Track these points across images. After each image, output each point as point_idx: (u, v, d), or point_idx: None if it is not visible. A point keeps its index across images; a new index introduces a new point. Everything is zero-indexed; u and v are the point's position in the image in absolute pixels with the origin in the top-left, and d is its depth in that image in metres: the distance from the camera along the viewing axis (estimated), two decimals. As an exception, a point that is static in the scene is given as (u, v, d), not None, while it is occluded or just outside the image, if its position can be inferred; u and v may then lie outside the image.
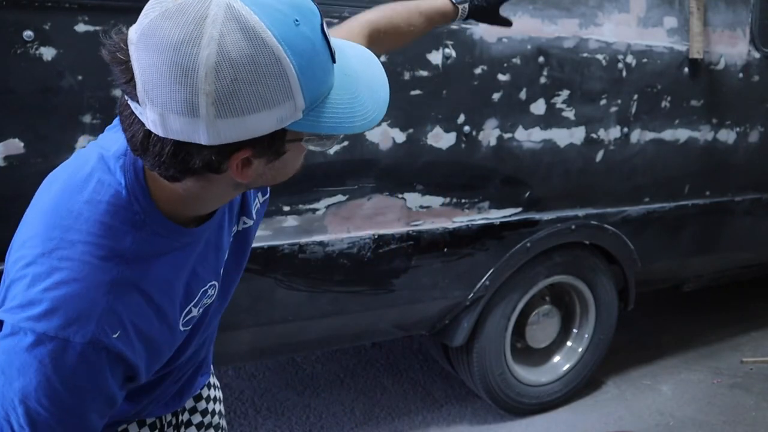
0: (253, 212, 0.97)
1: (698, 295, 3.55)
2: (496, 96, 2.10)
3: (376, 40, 1.13)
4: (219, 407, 1.23)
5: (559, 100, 2.22)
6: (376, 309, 2.17)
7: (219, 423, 1.23)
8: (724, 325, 3.60)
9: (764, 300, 3.92)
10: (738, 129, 2.72)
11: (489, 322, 2.42)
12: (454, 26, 1.97)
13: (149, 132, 0.66)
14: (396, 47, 1.27)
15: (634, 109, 2.40)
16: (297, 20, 0.65)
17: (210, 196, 0.76)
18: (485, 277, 2.29)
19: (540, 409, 2.69)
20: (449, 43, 1.98)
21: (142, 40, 0.64)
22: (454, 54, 1.98)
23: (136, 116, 0.67)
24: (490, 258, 2.28)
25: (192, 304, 0.86)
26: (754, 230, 3.01)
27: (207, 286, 0.88)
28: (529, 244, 2.33)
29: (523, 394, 2.62)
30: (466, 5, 1.30)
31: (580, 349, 2.74)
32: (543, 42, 2.14)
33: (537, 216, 2.33)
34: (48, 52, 1.49)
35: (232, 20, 0.61)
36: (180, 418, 1.12)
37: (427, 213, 2.10)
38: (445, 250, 2.17)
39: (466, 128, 2.07)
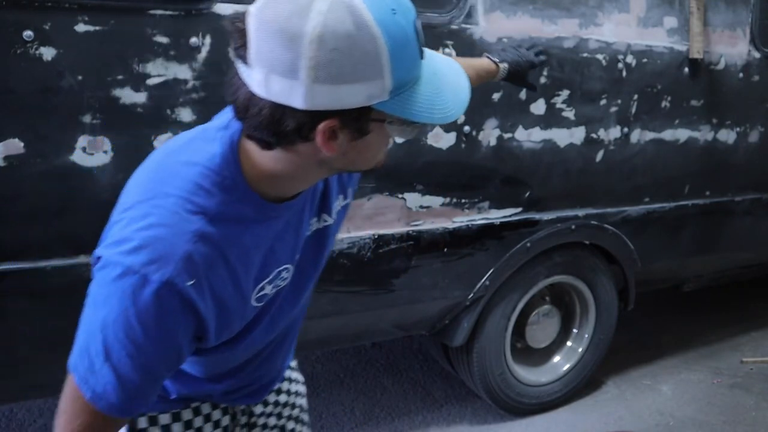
0: (334, 211, 1.02)
1: (698, 295, 3.55)
2: (496, 96, 2.10)
3: None
4: (300, 401, 1.28)
5: (559, 100, 2.22)
6: (376, 309, 2.17)
7: (300, 416, 1.28)
8: (724, 325, 3.60)
9: (764, 300, 3.92)
10: (738, 129, 2.72)
11: (489, 322, 2.42)
12: (454, 26, 1.97)
13: (251, 94, 0.74)
14: None
15: (634, 109, 2.40)
16: (394, 10, 0.72)
17: (295, 172, 0.82)
18: (485, 277, 2.29)
19: (540, 409, 2.69)
20: (449, 42, 1.98)
21: (260, 11, 0.71)
22: (454, 54, 1.98)
23: (240, 80, 0.75)
24: (490, 258, 2.28)
25: (266, 281, 0.92)
26: (754, 230, 3.01)
27: (282, 268, 0.94)
28: (529, 244, 2.33)
29: (523, 394, 2.62)
30: (506, 65, 1.63)
31: (580, 349, 2.74)
32: (543, 42, 2.14)
33: (537, 216, 2.33)
34: (48, 52, 1.49)
35: (340, 0, 0.70)
36: (256, 408, 1.19)
37: (427, 213, 2.10)
38: (445, 250, 2.17)
39: (466, 128, 2.07)
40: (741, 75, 2.64)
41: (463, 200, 2.15)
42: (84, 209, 1.61)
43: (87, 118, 1.56)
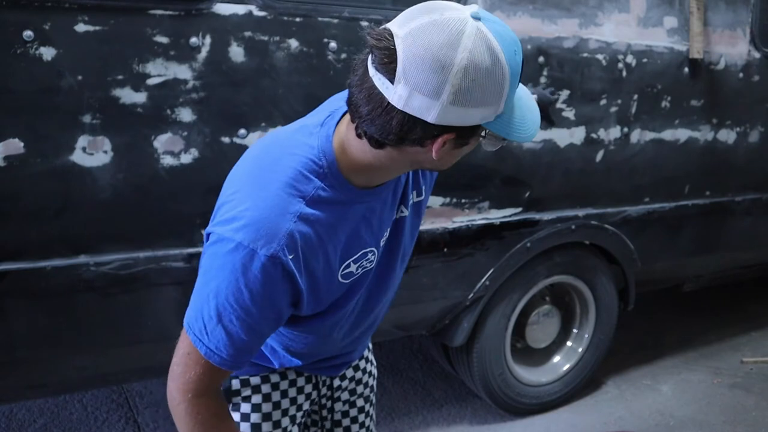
0: (409, 204, 1.12)
1: (698, 295, 3.55)
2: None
3: None
4: (372, 382, 1.40)
5: (559, 100, 2.22)
6: (376, 309, 2.17)
7: (369, 396, 1.39)
8: (724, 325, 3.60)
9: (764, 300, 3.92)
10: (738, 129, 2.72)
11: (489, 322, 2.42)
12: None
13: (387, 104, 0.85)
14: None
15: (634, 109, 2.40)
16: (515, 51, 0.86)
17: (390, 167, 0.95)
18: (485, 277, 2.29)
19: (540, 409, 2.69)
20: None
21: (411, 37, 0.82)
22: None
23: (376, 90, 0.85)
24: (490, 258, 2.28)
25: (352, 259, 1.03)
26: (754, 230, 3.01)
27: (367, 250, 1.05)
28: (529, 244, 2.33)
29: (523, 394, 2.62)
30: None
31: (580, 349, 2.74)
32: (543, 42, 2.14)
33: (537, 216, 2.33)
34: (48, 52, 1.49)
35: (481, 39, 0.82)
36: (334, 381, 1.31)
37: (427, 213, 2.10)
38: (445, 250, 2.17)
39: (466, 128, 2.07)
40: (741, 75, 2.64)
41: (463, 200, 2.15)
42: (84, 209, 1.61)
43: (87, 118, 1.56)
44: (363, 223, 1.02)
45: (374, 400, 1.43)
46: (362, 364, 1.37)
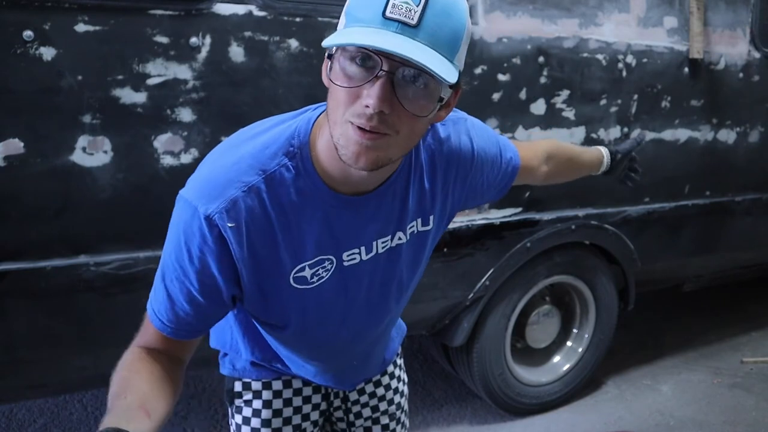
0: (407, 232, 1.03)
1: (698, 295, 3.55)
2: (496, 96, 2.10)
3: (550, 160, 1.32)
4: (398, 399, 1.33)
5: (559, 100, 2.22)
6: (376, 309, 2.17)
7: (396, 414, 1.32)
8: (724, 325, 3.60)
9: (764, 300, 3.92)
10: (738, 129, 2.72)
11: (489, 322, 2.42)
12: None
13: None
14: (559, 176, 1.41)
15: (634, 109, 2.40)
16: None
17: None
18: (485, 277, 2.29)
19: (540, 409, 2.69)
20: (449, 43, 1.97)
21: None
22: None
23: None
24: (490, 258, 2.28)
25: (308, 263, 0.96)
26: (754, 230, 3.01)
27: (325, 257, 0.97)
28: (529, 244, 2.33)
29: (523, 394, 2.62)
30: (608, 151, 1.50)
31: (580, 349, 2.74)
32: (543, 42, 2.14)
33: (537, 216, 2.33)
34: (48, 52, 1.49)
35: None
36: (350, 395, 1.27)
37: (427, 213, 2.10)
38: (445, 250, 2.17)
39: (466, 128, 2.07)
40: (741, 75, 2.64)
41: (463, 200, 2.15)
42: (84, 209, 1.61)
43: (87, 118, 1.56)
44: (325, 225, 0.94)
45: (404, 420, 1.36)
46: (386, 380, 1.30)
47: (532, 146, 1.29)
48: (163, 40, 1.60)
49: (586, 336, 2.74)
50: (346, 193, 0.93)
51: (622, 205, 2.53)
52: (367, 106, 0.78)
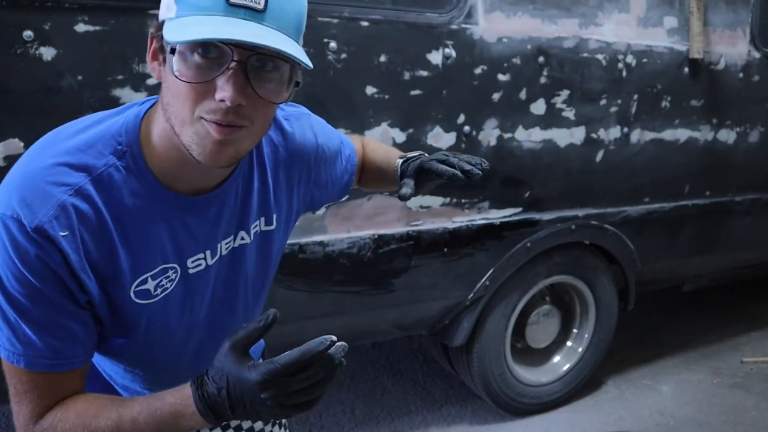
0: (251, 231, 0.97)
1: (698, 295, 3.55)
2: (496, 96, 2.10)
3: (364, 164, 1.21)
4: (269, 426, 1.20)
5: (559, 100, 2.22)
6: (376, 309, 2.17)
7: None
8: (724, 325, 3.60)
9: (764, 300, 3.92)
10: (738, 129, 2.72)
11: (489, 322, 2.42)
12: (453, 26, 1.97)
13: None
14: (367, 185, 1.25)
15: (634, 109, 2.40)
16: None
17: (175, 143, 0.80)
18: (485, 277, 2.29)
19: (540, 409, 2.69)
20: (449, 43, 1.98)
21: None
22: (454, 54, 1.98)
23: None
24: (490, 258, 2.28)
25: (150, 274, 0.86)
26: (754, 230, 3.01)
27: (168, 266, 0.88)
28: (529, 244, 2.33)
29: (523, 394, 2.62)
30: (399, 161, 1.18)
31: (580, 349, 2.74)
32: (543, 42, 2.14)
33: (537, 216, 2.33)
34: (48, 52, 1.49)
35: None
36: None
37: (427, 213, 2.10)
38: (445, 250, 2.17)
39: (466, 128, 2.07)
40: (741, 75, 2.64)
41: (463, 200, 2.15)
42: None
43: (87, 118, 1.56)
44: (166, 230, 0.86)
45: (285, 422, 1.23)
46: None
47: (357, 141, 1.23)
48: (163, 40, 1.60)
49: (586, 336, 2.74)
50: (186, 192, 0.86)
51: (622, 205, 2.53)
52: (223, 100, 0.73)
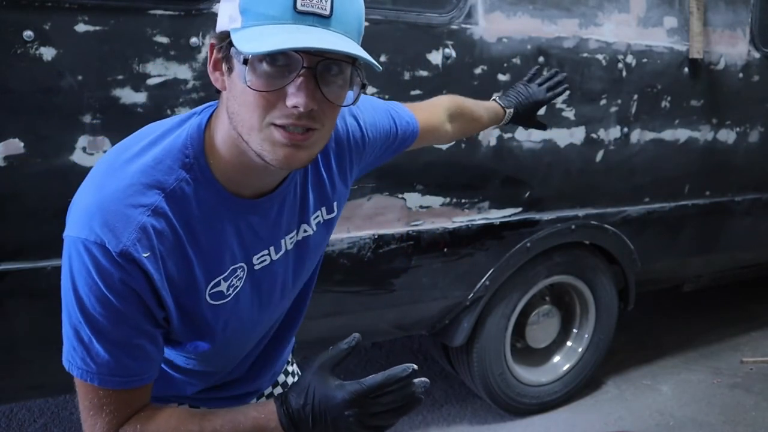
0: (313, 223, 1.01)
1: (698, 295, 3.55)
2: (495, 96, 2.09)
3: (454, 120, 1.36)
4: None
5: (559, 100, 2.22)
6: (376, 309, 2.17)
7: None
8: (724, 325, 3.60)
9: (764, 300, 3.92)
10: (738, 129, 2.72)
11: (489, 322, 2.42)
12: (454, 26, 1.97)
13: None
14: (463, 134, 1.47)
15: (634, 109, 2.40)
16: None
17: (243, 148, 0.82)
18: (485, 277, 2.29)
19: (540, 409, 2.69)
20: (449, 43, 1.98)
21: None
22: (454, 54, 1.98)
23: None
24: (490, 258, 2.28)
25: (222, 276, 0.90)
26: (754, 230, 3.01)
27: (237, 266, 0.92)
28: (529, 244, 2.33)
29: (523, 394, 2.62)
30: (512, 111, 1.59)
31: (580, 349, 2.74)
32: (543, 42, 2.14)
33: (537, 216, 2.33)
34: (48, 52, 1.49)
35: None
36: None
37: (427, 213, 2.10)
38: (445, 250, 2.17)
39: (466, 128, 2.07)
40: (741, 75, 2.64)
41: (463, 200, 2.15)
42: (84, 209, 1.61)
43: (87, 118, 1.56)
44: (234, 235, 0.89)
45: None
46: (281, 378, 1.25)
47: (431, 107, 1.31)
48: (163, 40, 1.60)
49: (586, 336, 2.73)
50: (249, 196, 0.89)
51: (622, 205, 2.53)
52: (296, 107, 0.75)
